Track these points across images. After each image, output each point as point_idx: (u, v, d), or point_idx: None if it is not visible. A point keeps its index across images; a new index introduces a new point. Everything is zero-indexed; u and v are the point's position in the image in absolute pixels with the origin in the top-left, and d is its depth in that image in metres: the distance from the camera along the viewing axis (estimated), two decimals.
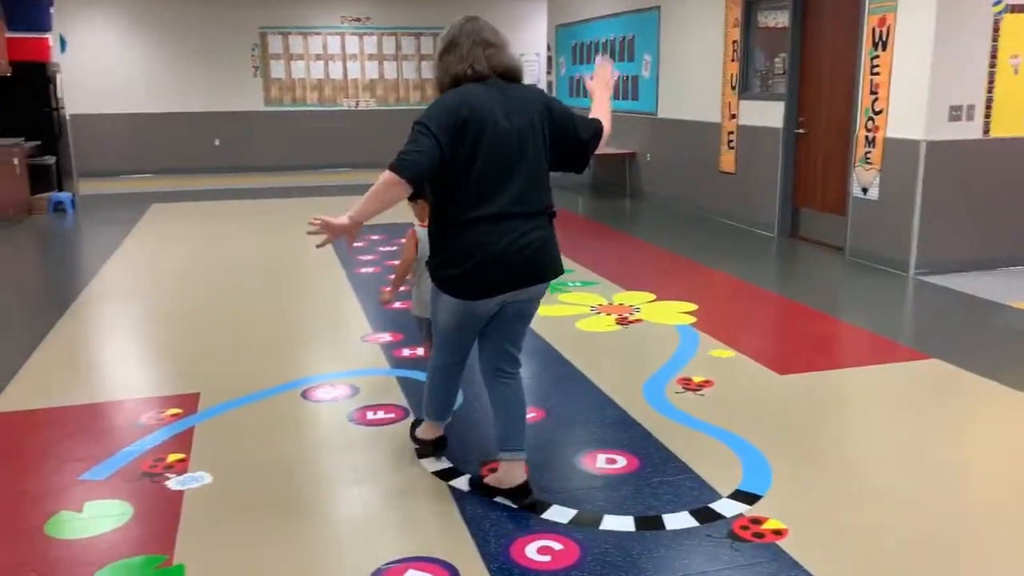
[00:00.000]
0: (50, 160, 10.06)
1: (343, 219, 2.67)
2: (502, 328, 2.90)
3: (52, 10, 10.55)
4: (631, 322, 5.09)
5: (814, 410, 3.80)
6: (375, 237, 7.72)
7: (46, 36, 10.43)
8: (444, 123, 2.63)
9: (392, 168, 2.59)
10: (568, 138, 2.89)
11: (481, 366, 3.01)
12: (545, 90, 13.66)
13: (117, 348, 4.92)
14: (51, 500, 2.97)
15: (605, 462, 3.23)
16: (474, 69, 2.76)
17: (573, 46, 12.30)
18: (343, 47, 13.99)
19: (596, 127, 2.96)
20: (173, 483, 3.09)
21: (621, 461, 3.23)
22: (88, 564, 2.58)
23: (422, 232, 3.66)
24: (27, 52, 10.15)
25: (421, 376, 4.15)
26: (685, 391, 3.95)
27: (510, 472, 2.93)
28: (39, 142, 9.99)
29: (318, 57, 13.92)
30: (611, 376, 4.16)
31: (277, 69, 13.77)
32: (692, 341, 4.69)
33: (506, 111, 2.72)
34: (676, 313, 5.24)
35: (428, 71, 14.32)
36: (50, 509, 2.90)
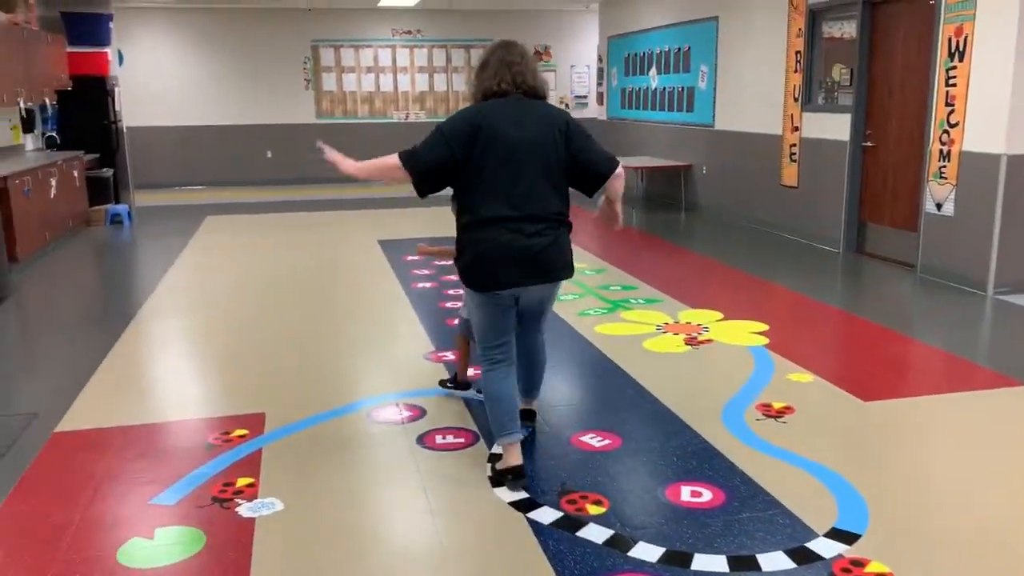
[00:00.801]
0: (108, 172, 10.18)
1: (348, 165, 3.20)
2: (520, 319, 3.29)
3: (111, 25, 10.71)
4: (701, 342, 4.92)
5: (905, 440, 3.61)
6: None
7: (105, 50, 10.59)
8: (458, 129, 3.01)
9: (400, 157, 3.05)
10: (582, 162, 3.13)
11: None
12: (595, 102, 13.57)
13: (180, 364, 4.88)
14: (123, 526, 2.91)
15: (690, 495, 3.08)
16: (500, 86, 3.08)
17: (625, 57, 12.16)
18: (394, 59, 14.03)
19: (616, 165, 3.20)
20: (244, 509, 3.01)
21: (707, 494, 3.08)
22: None
23: None
24: (87, 66, 10.31)
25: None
26: (766, 418, 3.79)
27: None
28: (97, 155, 10.13)
29: (369, 70, 13.96)
30: (686, 401, 4.00)
31: (328, 82, 13.84)
32: (767, 364, 4.52)
33: (520, 123, 3.02)
34: (747, 333, 5.07)
35: None
36: (123, 535, 2.83)
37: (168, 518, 2.95)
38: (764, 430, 3.65)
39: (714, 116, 9.69)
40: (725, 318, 5.41)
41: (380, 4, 12.86)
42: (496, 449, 3.38)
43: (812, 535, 2.78)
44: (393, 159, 3.06)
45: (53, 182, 8.30)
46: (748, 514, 2.93)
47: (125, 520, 2.95)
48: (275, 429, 3.73)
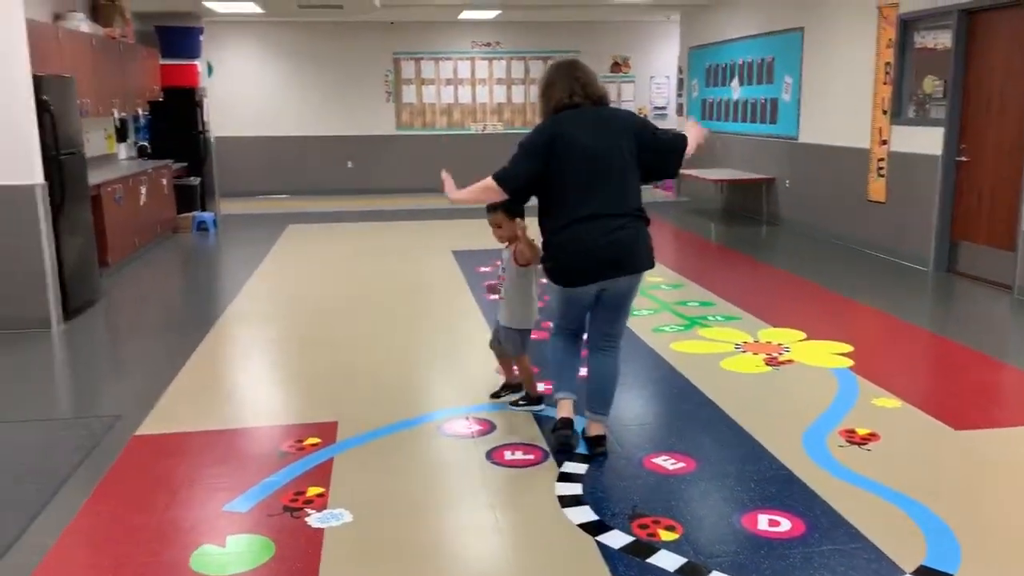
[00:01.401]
0: (195, 181, 10.51)
1: (453, 192, 3.55)
2: (600, 313, 3.49)
3: (202, 38, 11.08)
4: (782, 363, 4.76)
5: (999, 473, 3.40)
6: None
7: (195, 63, 10.95)
8: (539, 142, 3.32)
9: (496, 179, 3.36)
10: (658, 147, 3.42)
11: (588, 335, 3.61)
12: (676, 112, 13.38)
13: (257, 370, 4.97)
14: (196, 532, 2.95)
15: (767, 524, 2.96)
16: (572, 98, 3.37)
17: (707, 68, 11.97)
18: (472, 72, 14.12)
19: (685, 138, 3.52)
20: (313, 520, 3.02)
21: (785, 524, 2.95)
22: None
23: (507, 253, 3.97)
24: (178, 78, 10.69)
25: (554, 413, 3.99)
26: (849, 444, 3.62)
27: (591, 427, 3.56)
28: (186, 164, 10.46)
29: (448, 82, 14.09)
30: (765, 424, 3.86)
31: (408, 94, 14.02)
32: (851, 387, 4.33)
33: (598, 130, 3.32)
34: (830, 354, 4.88)
35: None
36: (195, 542, 2.87)
37: (240, 525, 2.98)
38: (847, 457, 3.49)
39: (798, 128, 9.43)
40: (808, 338, 5.22)
41: (461, 17, 12.97)
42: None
43: (899, 573, 2.63)
44: (490, 182, 3.37)
45: (143, 190, 8.60)
46: (829, 547, 2.80)
47: (198, 526, 2.99)
48: (347, 438, 3.75)
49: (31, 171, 5.49)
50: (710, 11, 11.77)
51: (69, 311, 5.91)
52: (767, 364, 4.75)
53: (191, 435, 3.82)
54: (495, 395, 4.20)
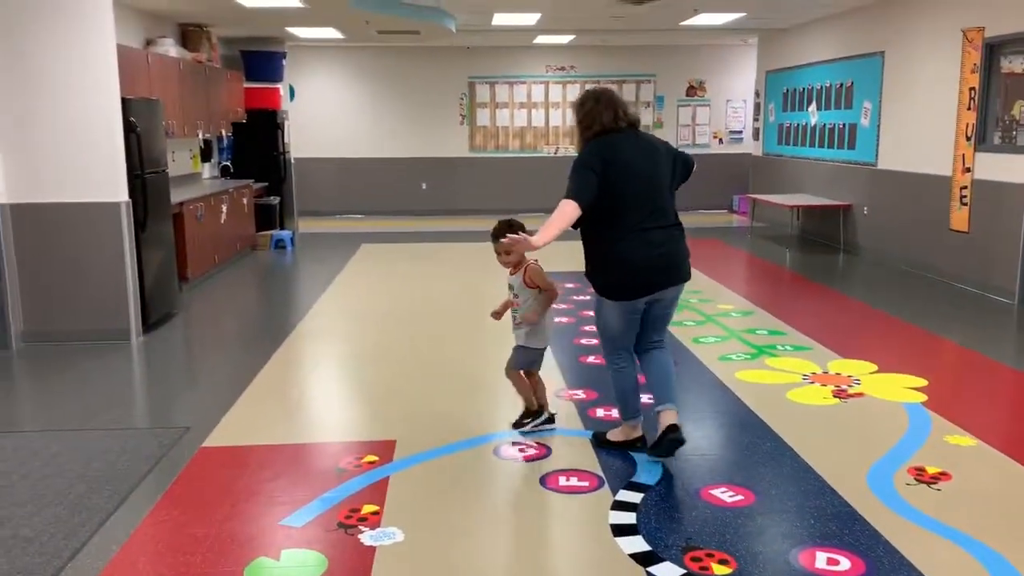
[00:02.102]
0: (274, 200, 10.83)
1: (537, 241, 3.48)
2: (648, 324, 3.72)
3: (284, 62, 11.45)
4: (850, 396, 4.62)
5: None
6: (569, 285, 7.62)
7: (277, 86, 11.32)
8: (596, 163, 3.50)
9: (571, 199, 3.46)
10: (681, 169, 3.75)
11: (635, 346, 3.78)
12: (753, 136, 13.21)
13: (321, 387, 5.07)
14: (253, 544, 3.02)
15: (826, 562, 2.86)
16: (617, 123, 3.62)
17: (784, 92, 11.78)
18: (546, 95, 14.21)
19: (691, 158, 3.80)
20: (366, 537, 3.06)
21: (844, 563, 2.86)
22: None
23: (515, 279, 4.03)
24: (261, 101, 11.06)
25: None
26: (918, 483, 3.48)
27: (664, 419, 3.66)
28: (266, 183, 10.80)
29: (522, 105, 14.21)
30: (829, 458, 3.75)
31: (483, 117, 14.19)
32: (924, 423, 4.17)
33: (645, 152, 3.60)
34: (902, 388, 4.71)
35: None
36: (251, 554, 2.94)
37: (295, 540, 3.04)
38: (915, 496, 3.36)
39: (877, 154, 9.19)
40: (879, 370, 5.06)
41: (536, 42, 13.09)
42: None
43: None
44: (570, 206, 3.45)
45: (224, 208, 8.91)
46: None
47: (255, 538, 3.06)
48: (404, 457, 3.79)
49: (116, 189, 5.75)
50: (788, 35, 11.60)
51: (148, 324, 6.15)
52: (835, 396, 4.61)
53: (255, 448, 3.91)
54: (517, 423, 4.14)
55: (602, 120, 3.61)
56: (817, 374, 5.02)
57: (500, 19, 10.34)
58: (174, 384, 5.22)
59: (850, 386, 4.78)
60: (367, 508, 3.29)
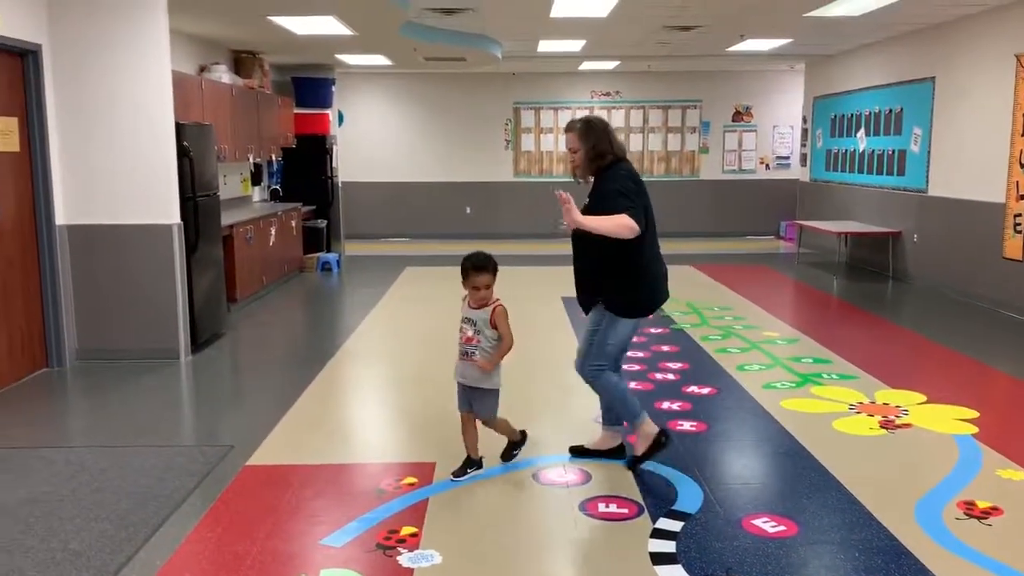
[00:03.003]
0: (322, 223, 11.00)
1: (578, 216, 3.63)
2: (626, 345, 4.02)
3: (334, 88, 11.67)
4: (898, 426, 4.52)
5: None
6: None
7: (327, 112, 11.54)
8: (637, 190, 3.75)
9: (631, 217, 3.63)
10: None
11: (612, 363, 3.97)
12: (800, 162, 13.09)
13: (364, 408, 5.12)
14: (294, 563, 3.05)
15: None
16: (622, 150, 3.90)
17: (832, 118, 11.67)
18: None
19: None
20: (404, 559, 3.07)
21: None
22: None
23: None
24: (310, 126, 11.28)
25: (656, 467, 3.94)
26: (968, 517, 3.39)
27: (608, 439, 4.09)
28: (314, 207, 10.98)
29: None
30: (875, 490, 3.67)
31: (527, 142, 14.28)
32: (974, 456, 4.07)
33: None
34: (952, 420, 4.60)
35: (674, 143, 14.22)
36: (292, 572, 2.97)
37: (333, 560, 3.06)
38: (964, 531, 3.27)
39: (927, 181, 9.03)
40: (928, 401, 4.95)
41: (581, 68, 13.17)
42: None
43: None
44: (628, 220, 3.61)
45: (273, 231, 9.08)
46: None
47: (296, 557, 3.09)
48: (443, 480, 3.80)
49: (169, 212, 5.90)
50: (836, 61, 11.51)
51: (197, 343, 6.27)
52: (882, 427, 4.52)
53: (297, 468, 3.96)
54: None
55: (613, 149, 3.82)
56: (864, 404, 4.92)
57: (545, 46, 10.43)
58: (220, 403, 5.31)
59: (898, 416, 4.68)
60: (406, 530, 3.30)
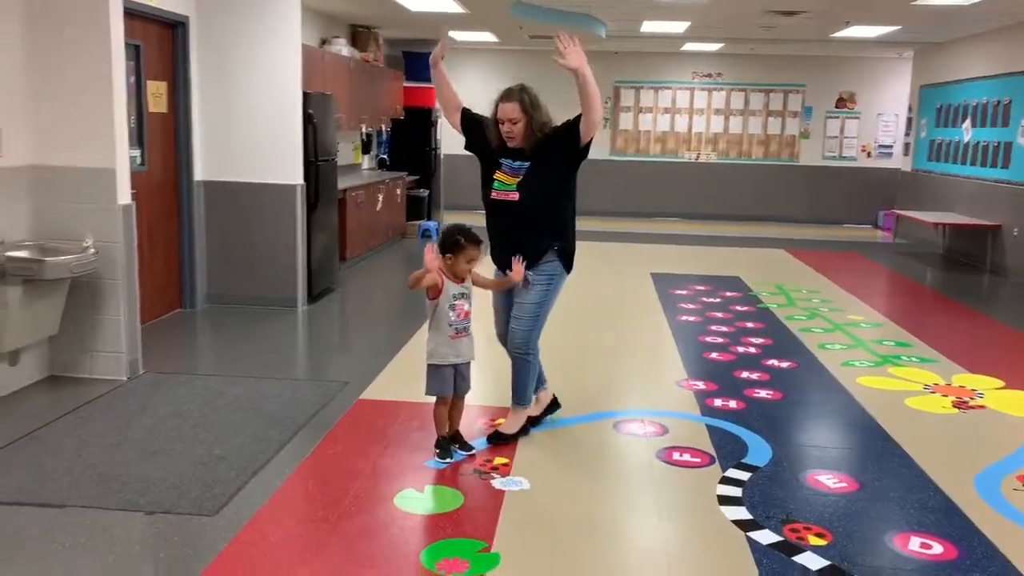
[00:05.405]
0: (424, 193, 11.54)
1: (583, 60, 3.74)
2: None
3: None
4: (971, 407, 4.69)
5: None
6: (699, 287, 7.85)
7: (432, 86, 12.01)
8: None
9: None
10: None
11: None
12: (903, 151, 12.89)
13: None
14: (401, 478, 3.52)
15: (919, 546, 3.07)
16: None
17: (937, 108, 11.49)
18: (691, 101, 14.34)
19: None
20: (497, 483, 3.49)
21: (937, 548, 3.05)
22: (425, 535, 3.04)
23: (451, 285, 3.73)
24: (418, 99, 11.79)
25: (730, 426, 4.24)
26: None
27: (544, 398, 4.21)
28: (417, 176, 11.52)
29: (666, 110, 14.41)
30: (938, 459, 3.89)
31: (625, 120, 14.48)
32: None
33: None
34: None
35: (774, 127, 14.18)
36: (400, 485, 3.44)
37: (437, 479, 3.52)
38: (1020, 500, 3.48)
39: None
40: (1006, 387, 5.07)
41: (683, 49, 13.27)
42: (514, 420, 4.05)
43: None
44: (598, 96, 3.78)
45: (380, 197, 9.63)
46: (978, 574, 2.88)
47: (404, 474, 3.56)
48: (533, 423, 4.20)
49: (294, 173, 6.47)
50: (945, 49, 11.30)
51: (312, 294, 6.85)
52: (955, 406, 4.70)
53: (404, 404, 4.43)
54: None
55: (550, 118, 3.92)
56: (940, 385, 5.09)
57: (649, 26, 10.62)
58: (334, 346, 5.87)
59: (972, 398, 4.84)
60: (498, 460, 3.73)
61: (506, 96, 3.84)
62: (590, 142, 3.82)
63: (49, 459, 3.61)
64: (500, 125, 3.84)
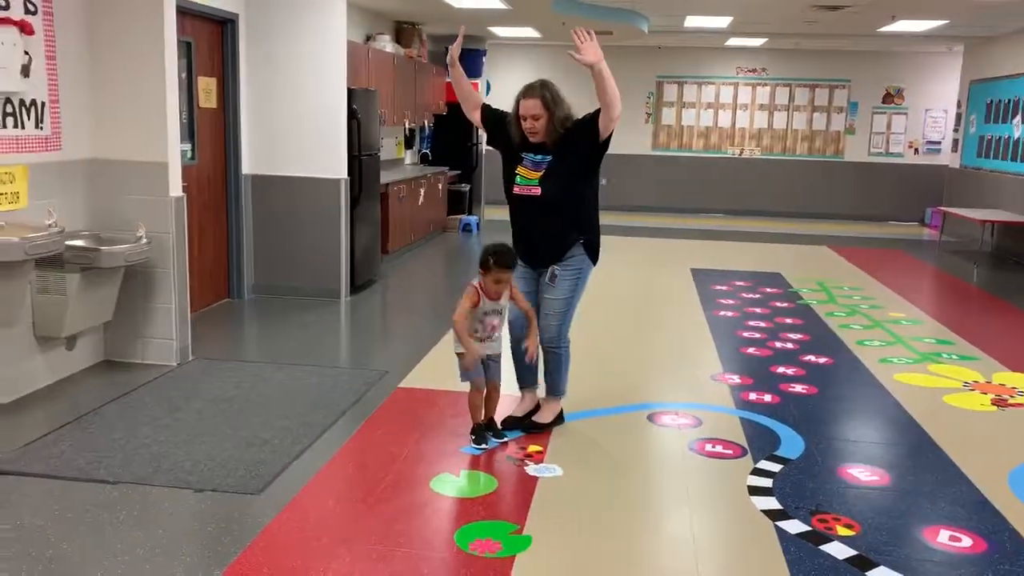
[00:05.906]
0: (465, 188, 11.66)
1: (599, 55, 3.68)
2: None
3: (484, 59, 12.25)
4: (1011, 405, 4.66)
5: None
6: (739, 283, 7.85)
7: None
8: None
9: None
10: None
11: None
12: (951, 148, 12.67)
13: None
14: (438, 462, 3.63)
15: (948, 538, 3.09)
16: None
17: (987, 103, 11.28)
18: (735, 97, 14.26)
19: None
20: (531, 469, 3.58)
21: (966, 541, 3.07)
22: (459, 517, 3.14)
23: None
24: None
25: (764, 420, 4.27)
26: None
27: (530, 400, 4.19)
28: (459, 172, 11.65)
29: (709, 106, 14.34)
30: (973, 455, 3.89)
31: (668, 116, 14.45)
32: None
33: None
34: None
35: (819, 122, 14.03)
36: (436, 470, 3.55)
37: (472, 464, 3.63)
38: None
39: None
40: None
41: (727, 44, 13.20)
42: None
43: None
44: (618, 97, 3.84)
45: (422, 192, 9.77)
46: (1007, 567, 2.89)
47: (440, 458, 3.67)
48: (569, 412, 4.27)
49: (339, 167, 6.62)
50: (996, 43, 11.10)
51: (354, 286, 7.00)
52: (994, 404, 4.67)
53: (442, 392, 4.54)
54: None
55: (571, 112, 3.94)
56: (979, 383, 5.05)
57: (692, 21, 10.60)
58: (376, 336, 6.02)
59: (1012, 396, 4.80)
60: (532, 447, 3.82)
61: (528, 92, 3.85)
62: (610, 136, 3.87)
63: (103, 439, 3.79)
64: (522, 121, 3.85)
